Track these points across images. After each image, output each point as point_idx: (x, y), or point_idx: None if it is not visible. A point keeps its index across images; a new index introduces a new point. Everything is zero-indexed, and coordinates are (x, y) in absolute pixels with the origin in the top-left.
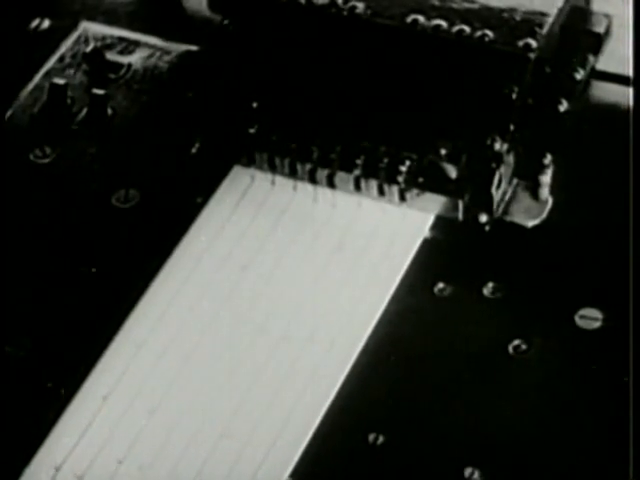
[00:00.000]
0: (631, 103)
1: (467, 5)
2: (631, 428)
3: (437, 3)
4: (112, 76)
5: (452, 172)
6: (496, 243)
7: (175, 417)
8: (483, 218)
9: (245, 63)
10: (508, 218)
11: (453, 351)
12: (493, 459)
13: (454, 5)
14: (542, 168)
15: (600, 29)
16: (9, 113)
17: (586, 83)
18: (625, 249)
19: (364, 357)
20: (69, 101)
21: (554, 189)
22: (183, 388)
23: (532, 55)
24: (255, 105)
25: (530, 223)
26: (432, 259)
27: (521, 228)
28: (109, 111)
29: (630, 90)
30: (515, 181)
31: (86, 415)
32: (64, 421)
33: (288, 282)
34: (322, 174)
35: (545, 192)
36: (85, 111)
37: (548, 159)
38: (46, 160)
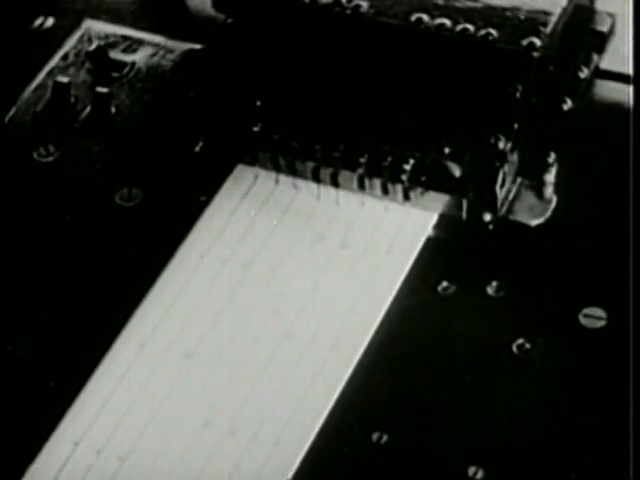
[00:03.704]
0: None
1: (471, 4)
2: (631, 428)
3: (441, 2)
4: (115, 74)
5: (456, 171)
6: (500, 242)
7: (179, 415)
8: (487, 217)
9: (248, 62)
10: (512, 217)
11: (457, 350)
12: (497, 458)
13: (458, 4)
14: (546, 167)
15: (604, 28)
16: (12, 111)
17: (590, 82)
18: (628, 248)
19: (367, 356)
20: (72, 99)
21: (558, 188)
22: (186, 386)
23: (536, 54)
24: (258, 104)
25: (534, 222)
26: (436, 258)
27: (525, 227)
28: (112, 109)
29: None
30: (519, 180)
31: (103, 393)
32: (83, 397)
33: (291, 280)
34: (325, 173)
35: (549, 191)
36: (88, 109)
37: (552, 158)
38: (49, 159)
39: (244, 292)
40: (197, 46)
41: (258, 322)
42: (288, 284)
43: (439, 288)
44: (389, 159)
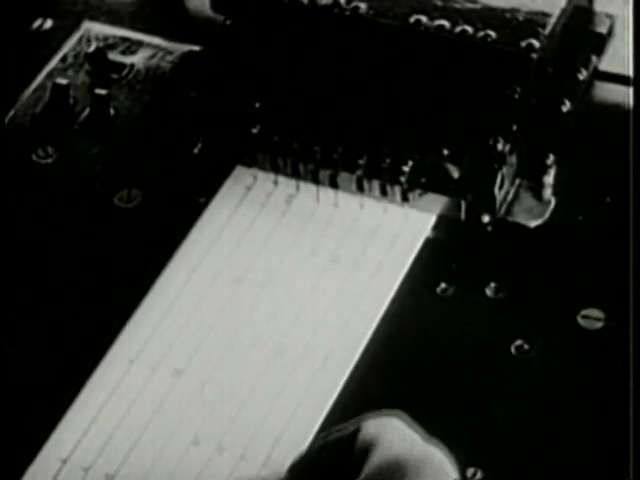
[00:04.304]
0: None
1: (470, 5)
2: (631, 428)
3: (440, 3)
4: (114, 76)
5: (455, 172)
6: (498, 243)
7: (168, 432)
8: (485, 218)
9: (247, 63)
10: (510, 218)
11: (455, 351)
12: (495, 459)
13: (457, 5)
14: (545, 168)
15: (603, 29)
16: (11, 113)
17: (589, 83)
18: (627, 249)
19: (366, 357)
20: (71, 101)
21: (556, 189)
22: (175, 403)
23: (535, 55)
24: (257, 105)
25: (532, 223)
26: (434, 259)
27: (523, 228)
28: (111, 111)
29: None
30: (518, 181)
31: (91, 410)
32: (71, 414)
33: (290, 282)
34: (324, 174)
35: (547, 192)
36: (87, 111)
37: (551, 159)
38: (48, 160)
39: (244, 294)
40: (196, 47)
41: (257, 323)
42: (287, 286)
43: (438, 289)
44: (388, 161)
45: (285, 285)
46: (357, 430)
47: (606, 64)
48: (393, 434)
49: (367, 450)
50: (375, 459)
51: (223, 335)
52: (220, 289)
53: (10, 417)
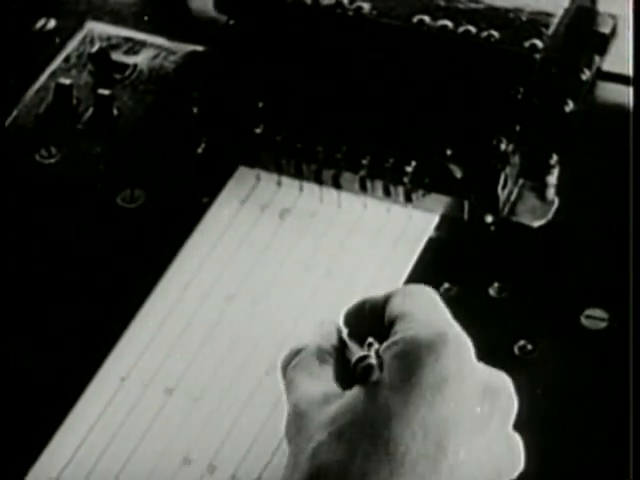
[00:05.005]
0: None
1: (473, 5)
2: (631, 428)
3: (443, 3)
4: (117, 76)
5: (458, 172)
6: (502, 243)
7: (159, 450)
8: (489, 218)
9: (250, 63)
10: (514, 218)
11: None
12: None
13: (460, 5)
14: (548, 168)
15: (606, 29)
16: (14, 113)
17: (592, 83)
18: (630, 249)
19: None
20: (74, 101)
21: (560, 189)
22: (166, 422)
23: (538, 56)
24: (260, 105)
25: (536, 223)
26: (438, 259)
27: (527, 228)
28: (114, 111)
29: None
30: (521, 181)
31: (82, 429)
32: (62, 432)
33: (293, 281)
34: (328, 174)
35: (551, 192)
36: (91, 111)
37: (554, 159)
38: (51, 160)
39: (246, 294)
40: (199, 47)
41: (257, 325)
42: (290, 285)
43: (441, 289)
44: (391, 161)
45: (289, 284)
46: (386, 302)
47: (609, 64)
48: (416, 310)
49: (392, 323)
50: (395, 338)
51: (215, 352)
52: (218, 297)
53: (5, 428)
